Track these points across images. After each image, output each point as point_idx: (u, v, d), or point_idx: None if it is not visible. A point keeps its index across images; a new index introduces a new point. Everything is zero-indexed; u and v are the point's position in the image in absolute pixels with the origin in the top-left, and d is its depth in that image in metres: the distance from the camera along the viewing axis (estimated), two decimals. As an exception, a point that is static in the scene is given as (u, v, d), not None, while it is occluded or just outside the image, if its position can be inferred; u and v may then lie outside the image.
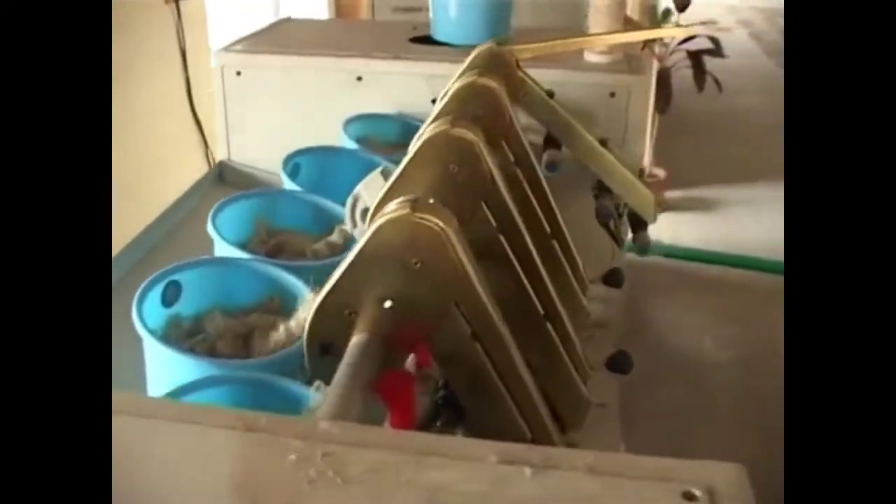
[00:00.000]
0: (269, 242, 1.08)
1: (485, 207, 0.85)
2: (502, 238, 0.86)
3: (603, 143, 1.26)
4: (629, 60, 1.44)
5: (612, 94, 1.38)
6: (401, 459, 0.49)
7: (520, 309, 0.90)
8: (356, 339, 0.67)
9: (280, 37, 1.62)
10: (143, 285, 0.90)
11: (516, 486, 0.47)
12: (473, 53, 1.21)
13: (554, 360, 0.91)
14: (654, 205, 1.30)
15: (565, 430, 0.99)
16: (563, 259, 1.09)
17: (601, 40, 1.32)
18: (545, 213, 1.07)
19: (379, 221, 0.65)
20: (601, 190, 1.29)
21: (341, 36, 1.63)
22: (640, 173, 1.29)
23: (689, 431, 2.93)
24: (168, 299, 0.93)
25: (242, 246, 1.08)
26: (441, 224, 0.64)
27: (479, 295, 0.66)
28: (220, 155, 1.56)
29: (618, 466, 0.49)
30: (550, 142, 1.27)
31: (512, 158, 1.05)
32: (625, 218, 1.31)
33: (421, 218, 0.64)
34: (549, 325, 0.90)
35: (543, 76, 1.38)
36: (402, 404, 0.67)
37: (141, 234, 1.32)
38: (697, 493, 0.46)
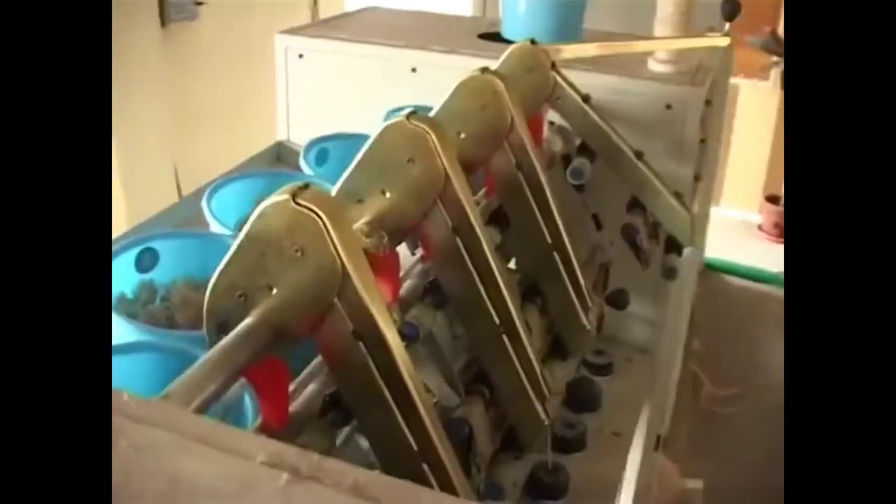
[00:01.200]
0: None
1: (440, 205, 0.81)
2: (457, 239, 0.82)
3: (639, 155, 1.18)
4: (696, 72, 1.35)
5: (669, 106, 1.29)
6: (171, 441, 0.47)
7: (473, 316, 0.86)
8: (243, 323, 0.66)
9: (353, 23, 1.63)
10: (115, 247, 0.92)
11: (260, 492, 0.44)
12: (507, 51, 1.17)
13: (506, 375, 0.86)
14: (691, 227, 1.21)
15: (523, 450, 0.94)
16: (563, 272, 1.03)
17: (638, 45, 1.23)
18: (546, 223, 1.01)
19: (262, 205, 0.63)
20: (634, 206, 1.21)
21: (413, 27, 1.62)
22: (678, 194, 1.20)
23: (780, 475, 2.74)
24: (143, 265, 0.95)
25: (242, 223, 1.09)
26: (320, 212, 0.61)
27: (358, 291, 0.62)
28: (280, 135, 1.59)
29: (385, 490, 0.44)
30: (585, 148, 1.21)
31: (513, 161, 1.00)
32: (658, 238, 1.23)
33: (300, 205, 0.61)
34: (505, 338, 0.85)
35: (599, 81, 1.32)
36: (272, 394, 0.65)
37: (186, 198, 1.36)
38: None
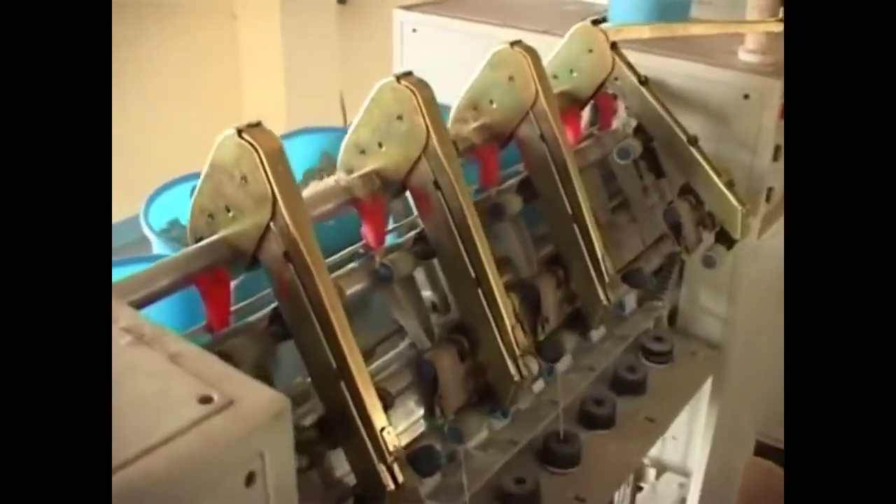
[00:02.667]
0: (321, 174, 1.20)
1: (424, 159, 0.89)
2: (439, 193, 0.89)
3: (693, 140, 1.18)
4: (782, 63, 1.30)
5: (746, 96, 1.26)
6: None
7: (452, 269, 0.92)
8: (208, 239, 0.77)
9: (471, 3, 1.70)
10: (178, 177, 1.08)
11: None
12: (570, 31, 1.20)
13: (482, 328, 0.92)
14: (743, 219, 1.18)
15: (500, 404, 0.98)
16: (581, 244, 1.06)
17: (693, 28, 1.21)
18: (568, 194, 1.05)
19: (219, 139, 0.73)
20: (685, 191, 1.21)
21: (523, 10, 1.67)
22: (731, 183, 1.18)
23: None
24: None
25: (306, 173, 1.22)
26: (258, 146, 0.71)
27: (286, 217, 0.72)
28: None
29: (194, 362, 0.53)
30: (642, 130, 1.22)
31: (538, 132, 1.04)
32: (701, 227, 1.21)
33: (243, 139, 0.71)
34: (480, 293, 0.91)
35: (679, 68, 1.31)
36: (215, 301, 0.75)
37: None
38: (216, 397, 0.50)
